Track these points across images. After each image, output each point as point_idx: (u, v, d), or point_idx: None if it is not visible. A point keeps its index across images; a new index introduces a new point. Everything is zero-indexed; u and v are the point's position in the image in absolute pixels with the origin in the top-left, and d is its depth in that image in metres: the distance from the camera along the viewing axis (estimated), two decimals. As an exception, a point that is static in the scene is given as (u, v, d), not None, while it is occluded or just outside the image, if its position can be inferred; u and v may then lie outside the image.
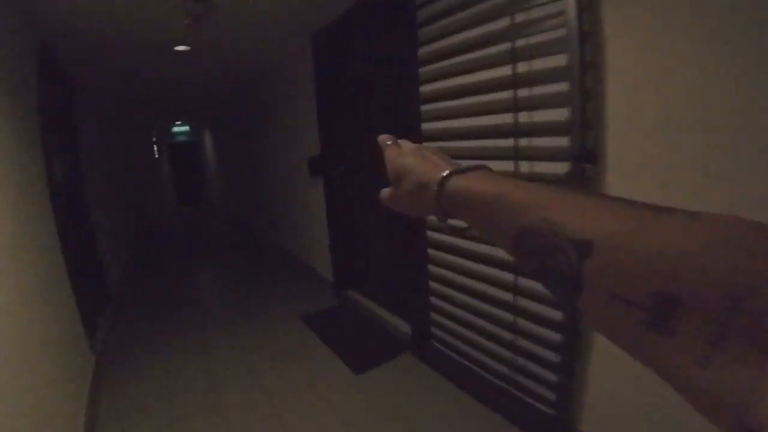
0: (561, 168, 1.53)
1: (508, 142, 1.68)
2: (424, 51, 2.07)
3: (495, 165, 1.78)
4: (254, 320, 3.24)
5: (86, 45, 2.98)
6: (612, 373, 1.56)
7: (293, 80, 3.93)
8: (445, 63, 1.94)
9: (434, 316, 2.40)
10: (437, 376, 2.35)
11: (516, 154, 1.66)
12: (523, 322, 1.85)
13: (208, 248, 6.25)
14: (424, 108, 2.12)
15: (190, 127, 12.17)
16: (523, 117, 1.63)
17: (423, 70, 2.09)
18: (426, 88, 2.09)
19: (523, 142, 1.65)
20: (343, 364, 2.53)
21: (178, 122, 11.52)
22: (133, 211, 6.83)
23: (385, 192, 0.52)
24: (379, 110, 2.74)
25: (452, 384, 2.27)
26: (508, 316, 1.90)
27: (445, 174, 0.42)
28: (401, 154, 0.50)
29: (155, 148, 10.80)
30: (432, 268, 2.32)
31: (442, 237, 2.22)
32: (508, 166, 1.70)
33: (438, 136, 2.06)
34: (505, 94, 1.67)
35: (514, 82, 1.62)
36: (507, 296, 1.88)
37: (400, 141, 0.55)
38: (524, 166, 1.67)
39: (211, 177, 11.13)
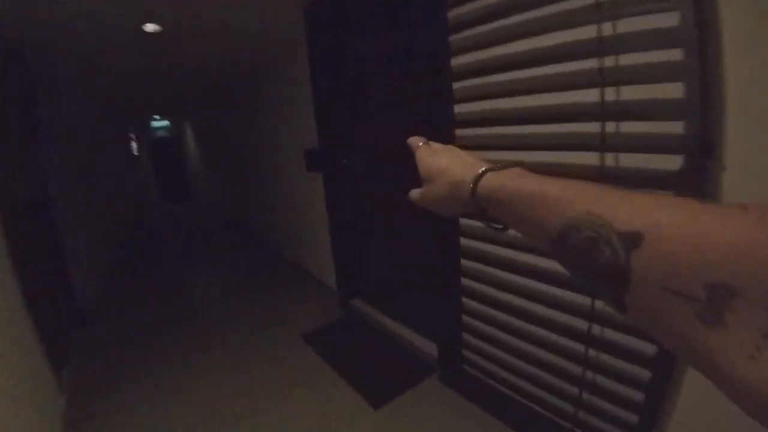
0: (667, 163, 1.15)
1: (591, 127, 1.28)
2: (455, 13, 1.65)
3: (573, 156, 1.31)
4: (250, 343, 2.81)
5: (41, 24, 2.51)
6: (702, 415, 1.23)
7: (284, 63, 3.48)
8: (491, 26, 1.53)
9: (467, 337, 2.01)
10: (471, 406, 1.98)
11: (603, 143, 1.26)
12: (594, 353, 1.47)
13: (194, 250, 5.77)
14: (457, 86, 1.71)
15: (171, 122, 11.67)
16: (611, 94, 1.23)
17: (455, 38, 1.67)
18: (459, 61, 1.68)
19: (612, 127, 1.25)
20: (358, 396, 2.13)
21: (157, 116, 11.05)
22: (112, 212, 6.31)
23: (416, 192, 0.53)
24: (394, 92, 2.31)
25: (490, 415, 1.89)
26: (576, 346, 1.52)
27: (479, 172, 0.42)
28: (433, 154, 0.52)
29: (135, 145, 10.43)
30: (466, 281, 1.93)
31: (479, 245, 1.82)
32: (591, 158, 1.30)
33: (480, 121, 1.65)
34: (585, 64, 1.26)
35: (600, 48, 1.21)
36: (574, 321, 1.51)
37: (431, 142, 0.56)
38: (611, 159, 1.28)
39: (196, 173, 10.60)
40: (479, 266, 1.85)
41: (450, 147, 0.53)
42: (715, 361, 0.22)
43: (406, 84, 2.13)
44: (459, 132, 1.75)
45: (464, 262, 1.91)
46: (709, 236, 0.22)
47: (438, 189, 0.49)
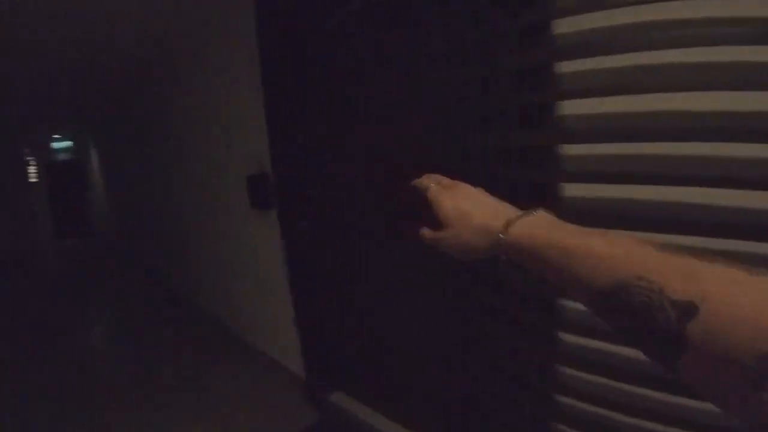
0: None
1: None
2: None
3: None
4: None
5: None
6: None
7: (216, 48, 2.54)
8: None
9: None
10: None
11: None
12: None
13: (98, 307, 4.48)
14: (572, 68, 0.93)
15: (74, 142, 10.04)
16: None
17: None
18: (575, 25, 0.90)
19: None
20: None
21: (57, 136, 9.46)
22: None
23: (431, 233, 0.52)
24: (409, 83, 1.45)
25: None
26: None
27: (508, 219, 0.44)
28: (451, 195, 0.51)
29: (31, 170, 8.88)
30: (567, 401, 1.13)
31: (599, 345, 1.04)
32: None
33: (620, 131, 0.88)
34: None
35: None
36: None
37: (442, 179, 0.55)
38: None
39: (102, 204, 9.01)
40: (594, 379, 1.07)
41: (465, 185, 0.53)
42: (762, 417, 0.24)
43: (446, 62, 1.29)
44: (577, 151, 0.97)
45: (567, 371, 1.11)
46: (758, 309, 0.25)
47: (460, 233, 0.48)
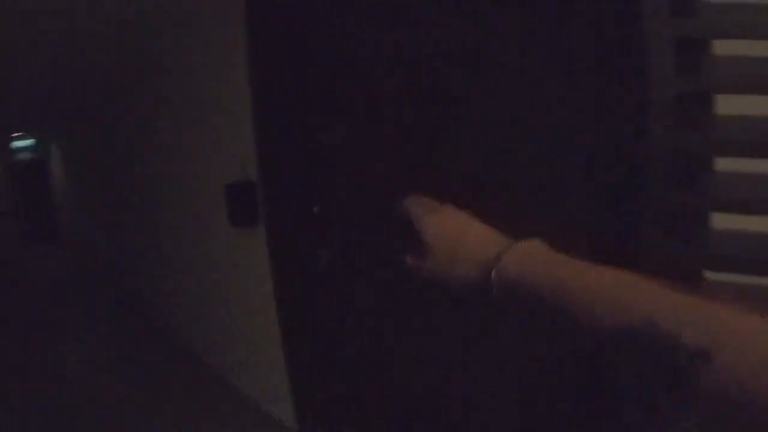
0: None
1: None
2: None
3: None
4: None
5: None
6: None
7: (196, 25, 2.18)
8: None
9: None
10: None
11: None
12: None
13: (57, 330, 4.00)
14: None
15: (36, 141, 9.48)
16: None
17: None
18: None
19: None
20: None
21: (17, 134, 8.90)
22: None
23: (417, 261, 0.48)
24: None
25: None
26: None
27: (501, 248, 0.40)
28: (437, 220, 0.48)
29: None
30: None
31: None
32: None
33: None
34: None
35: None
36: None
37: (426, 200, 0.51)
38: None
39: (69, 208, 8.45)
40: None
41: (450, 209, 0.48)
42: None
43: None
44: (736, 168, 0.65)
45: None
46: None
47: (446, 262, 0.44)
